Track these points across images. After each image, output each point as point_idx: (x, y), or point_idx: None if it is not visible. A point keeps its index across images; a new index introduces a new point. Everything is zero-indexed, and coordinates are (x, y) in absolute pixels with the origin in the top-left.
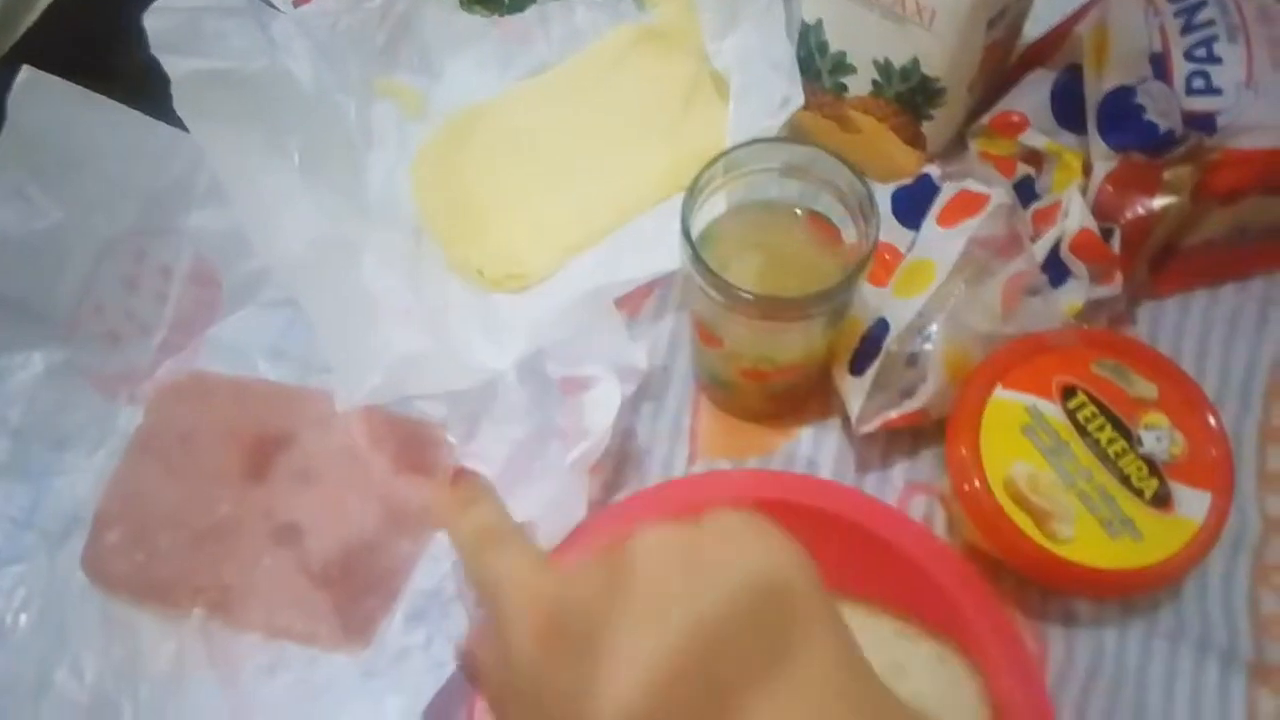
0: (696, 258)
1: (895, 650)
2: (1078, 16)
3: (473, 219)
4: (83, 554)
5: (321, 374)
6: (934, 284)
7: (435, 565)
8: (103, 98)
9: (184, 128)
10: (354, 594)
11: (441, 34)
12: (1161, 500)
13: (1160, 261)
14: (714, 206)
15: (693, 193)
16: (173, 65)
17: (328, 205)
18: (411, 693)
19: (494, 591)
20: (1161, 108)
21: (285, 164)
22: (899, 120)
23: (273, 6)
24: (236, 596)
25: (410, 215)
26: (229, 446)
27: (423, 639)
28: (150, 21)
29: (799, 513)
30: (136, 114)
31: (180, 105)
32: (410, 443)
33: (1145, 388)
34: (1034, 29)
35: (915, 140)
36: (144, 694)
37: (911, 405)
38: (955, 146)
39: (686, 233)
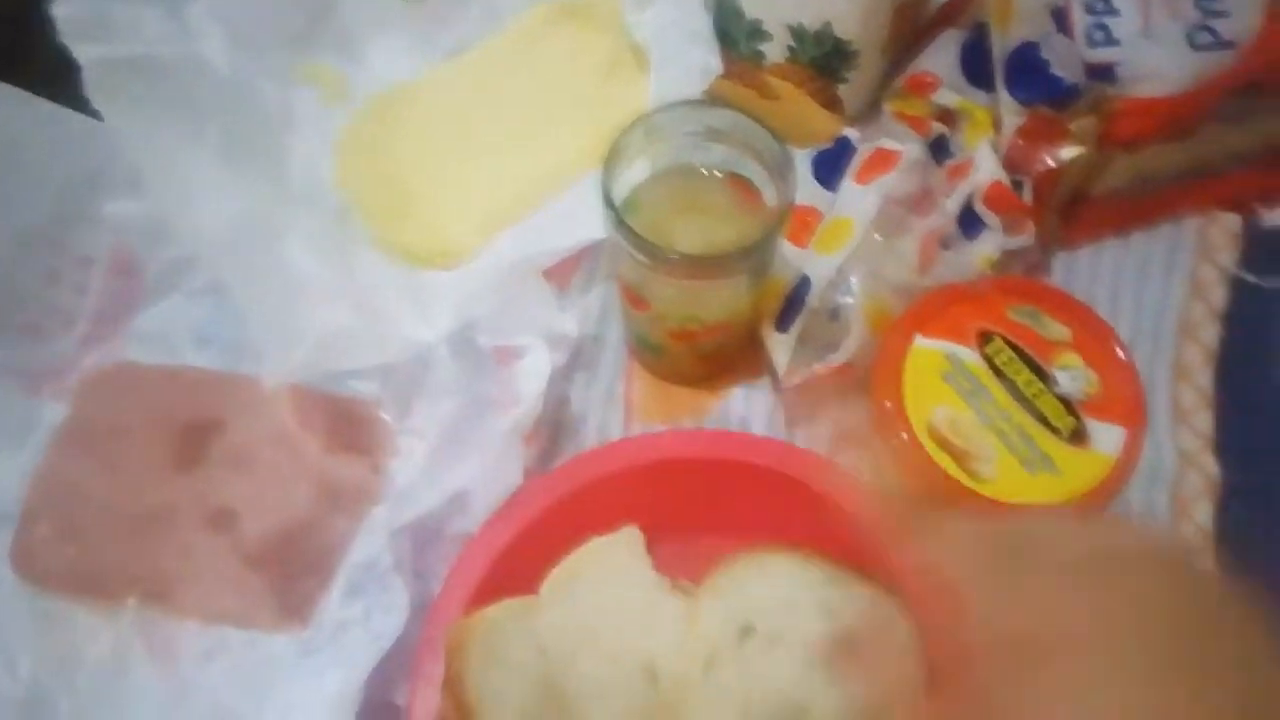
0: (619, 221)
1: (828, 593)
2: None
3: (398, 198)
4: (10, 550)
5: (250, 359)
6: (852, 240)
7: (371, 539)
8: (12, 88)
9: (99, 117)
10: (291, 574)
11: (361, 17)
12: (1078, 437)
13: (1071, 211)
14: (637, 172)
15: (612, 157)
16: (82, 52)
17: (249, 188)
18: (350, 666)
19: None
20: (1065, 61)
21: (203, 149)
22: (816, 85)
23: None
24: (172, 584)
25: (335, 197)
26: (159, 435)
27: (360, 613)
28: (58, 9)
29: (731, 469)
30: (48, 104)
31: (92, 92)
32: (343, 421)
33: (1059, 330)
34: None
35: (833, 104)
36: (81, 686)
37: (836, 358)
38: (872, 109)
39: (608, 196)
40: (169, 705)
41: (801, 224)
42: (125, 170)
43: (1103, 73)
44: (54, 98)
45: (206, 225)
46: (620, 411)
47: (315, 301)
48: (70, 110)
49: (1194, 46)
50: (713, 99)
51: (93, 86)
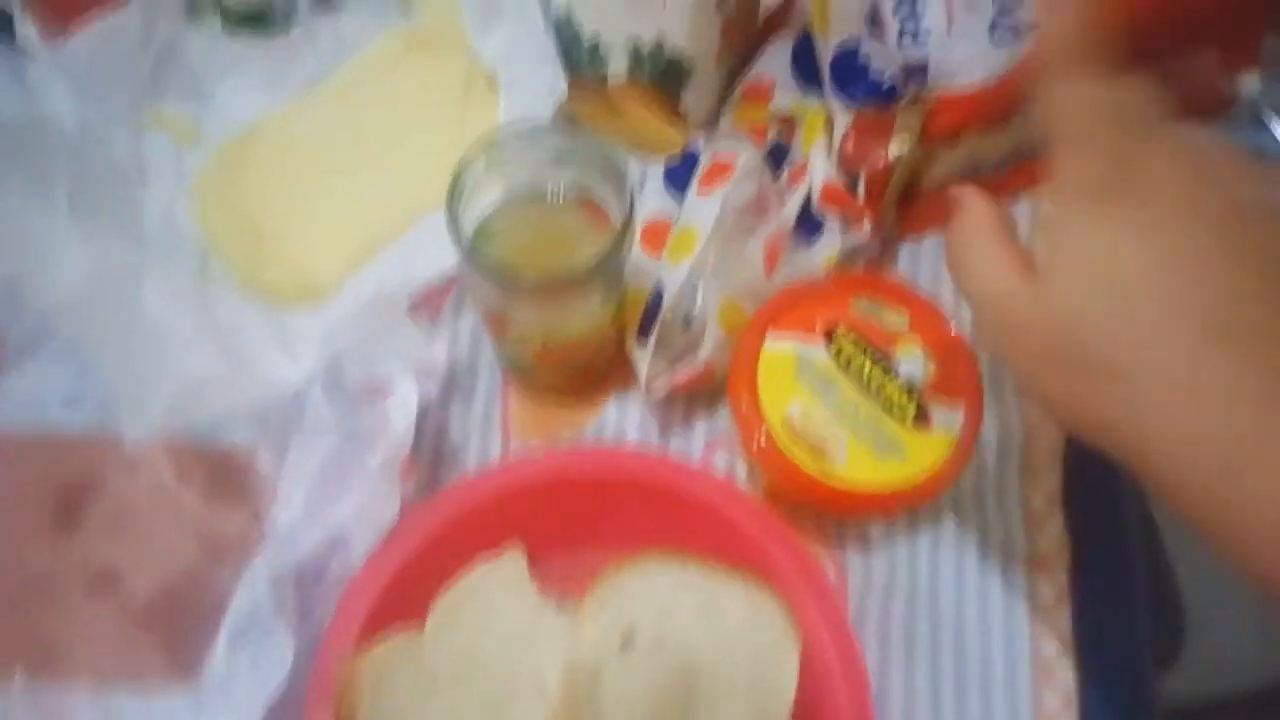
0: (467, 251)
1: (705, 594)
2: None
3: (259, 238)
4: None
5: (122, 415)
6: (698, 247)
7: (252, 588)
8: None
9: None
10: (179, 630)
11: (208, 59)
12: (921, 419)
13: (908, 205)
14: (488, 199)
15: (454, 189)
16: None
17: (102, 243)
18: (242, 717)
19: (1060, 135)
20: (881, 61)
21: (53, 209)
22: (659, 99)
23: (27, 52)
24: (59, 652)
25: (194, 242)
26: (34, 502)
27: (247, 663)
28: None
29: (608, 483)
30: None
31: None
32: (220, 472)
33: (897, 319)
34: None
35: (677, 117)
36: None
37: (695, 363)
38: (717, 118)
39: (454, 227)
40: None
41: (657, 235)
42: None
43: (916, 71)
44: None
45: (60, 287)
46: (498, 433)
47: (178, 352)
48: None
49: (995, 39)
50: (567, 120)
51: None
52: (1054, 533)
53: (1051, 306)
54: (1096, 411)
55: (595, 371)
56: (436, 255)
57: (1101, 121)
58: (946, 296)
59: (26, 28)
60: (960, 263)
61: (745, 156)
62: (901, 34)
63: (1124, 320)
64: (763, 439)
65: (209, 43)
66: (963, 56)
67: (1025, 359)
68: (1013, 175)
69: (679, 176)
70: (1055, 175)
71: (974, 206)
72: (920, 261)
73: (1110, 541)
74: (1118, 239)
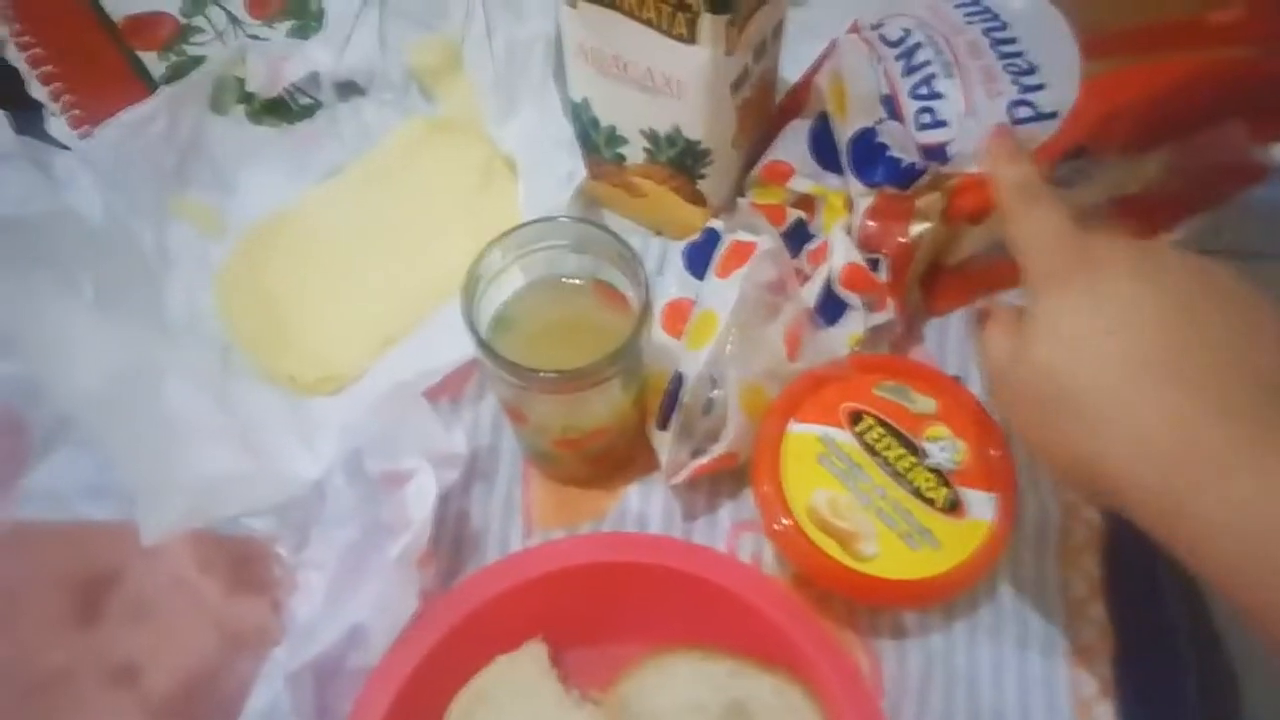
0: (481, 344)
1: (733, 689)
2: (815, 69)
3: (280, 327)
4: None
5: None
6: (717, 333)
7: (271, 683)
8: None
9: None
10: None
11: (232, 148)
12: (953, 506)
13: (933, 282)
14: (509, 285)
15: (469, 282)
16: None
17: (126, 335)
18: None
19: (1023, 248)
20: (900, 144)
21: (77, 302)
22: (677, 182)
23: (54, 142)
24: None
25: (216, 332)
26: (56, 594)
27: None
28: None
29: (629, 571)
30: None
31: None
32: (241, 562)
33: (925, 403)
34: (795, 73)
35: (696, 198)
36: None
37: (717, 449)
38: (736, 199)
39: (470, 324)
40: None
41: (678, 316)
42: None
43: (936, 153)
44: None
45: (81, 381)
46: (519, 520)
47: (198, 448)
48: None
49: (1015, 120)
50: (587, 201)
51: None
52: (1096, 620)
53: (1030, 361)
54: (1070, 447)
55: (616, 457)
56: (458, 342)
57: (1052, 233)
58: (975, 376)
59: (56, 118)
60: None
61: (765, 239)
62: (919, 117)
63: (1085, 369)
64: (787, 526)
65: (233, 132)
66: (982, 139)
67: (1014, 407)
68: None
69: (699, 256)
70: (1025, 272)
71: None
72: (947, 339)
73: (1155, 628)
74: (1077, 304)
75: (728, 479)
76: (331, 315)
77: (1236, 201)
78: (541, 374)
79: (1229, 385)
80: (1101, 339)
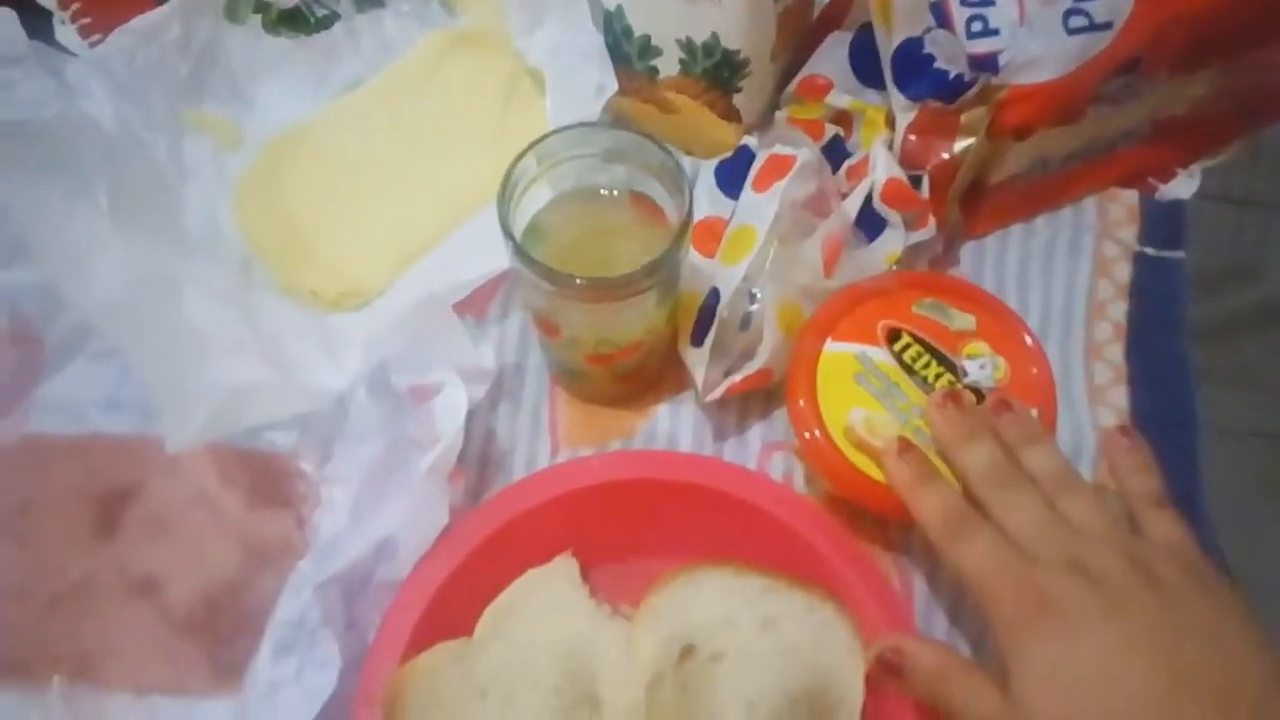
0: (519, 251)
1: (766, 604)
2: None
3: (301, 242)
4: None
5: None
6: (755, 247)
7: (298, 595)
8: None
9: None
10: (221, 637)
11: (248, 60)
12: (1000, 407)
13: (972, 202)
14: (538, 198)
15: (506, 188)
16: None
17: (143, 246)
18: None
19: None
20: (948, 54)
21: (92, 210)
22: (711, 96)
23: (65, 51)
24: (98, 659)
25: (236, 245)
26: (73, 507)
27: (292, 671)
28: None
29: (660, 488)
30: None
31: None
32: (263, 477)
33: (963, 320)
34: None
35: (730, 114)
36: None
37: (752, 367)
38: (770, 116)
39: (506, 228)
40: None
41: (709, 234)
42: (11, 237)
43: (986, 63)
44: None
45: (100, 290)
46: (547, 439)
47: (219, 358)
48: None
49: (1069, 31)
50: (615, 118)
51: None
52: None
53: (1027, 715)
54: None
55: (647, 376)
56: (482, 257)
57: (998, 571)
58: (1011, 298)
59: (65, 26)
60: (945, 700)
61: (803, 154)
62: (969, 25)
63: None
64: (823, 444)
65: (249, 43)
66: (1035, 49)
67: None
68: (1080, 173)
69: (731, 175)
70: (986, 616)
71: (924, 654)
72: (984, 261)
73: None
74: (1055, 656)
75: (758, 400)
76: (353, 230)
77: (1248, 147)
78: (578, 280)
79: None
80: (1088, 698)
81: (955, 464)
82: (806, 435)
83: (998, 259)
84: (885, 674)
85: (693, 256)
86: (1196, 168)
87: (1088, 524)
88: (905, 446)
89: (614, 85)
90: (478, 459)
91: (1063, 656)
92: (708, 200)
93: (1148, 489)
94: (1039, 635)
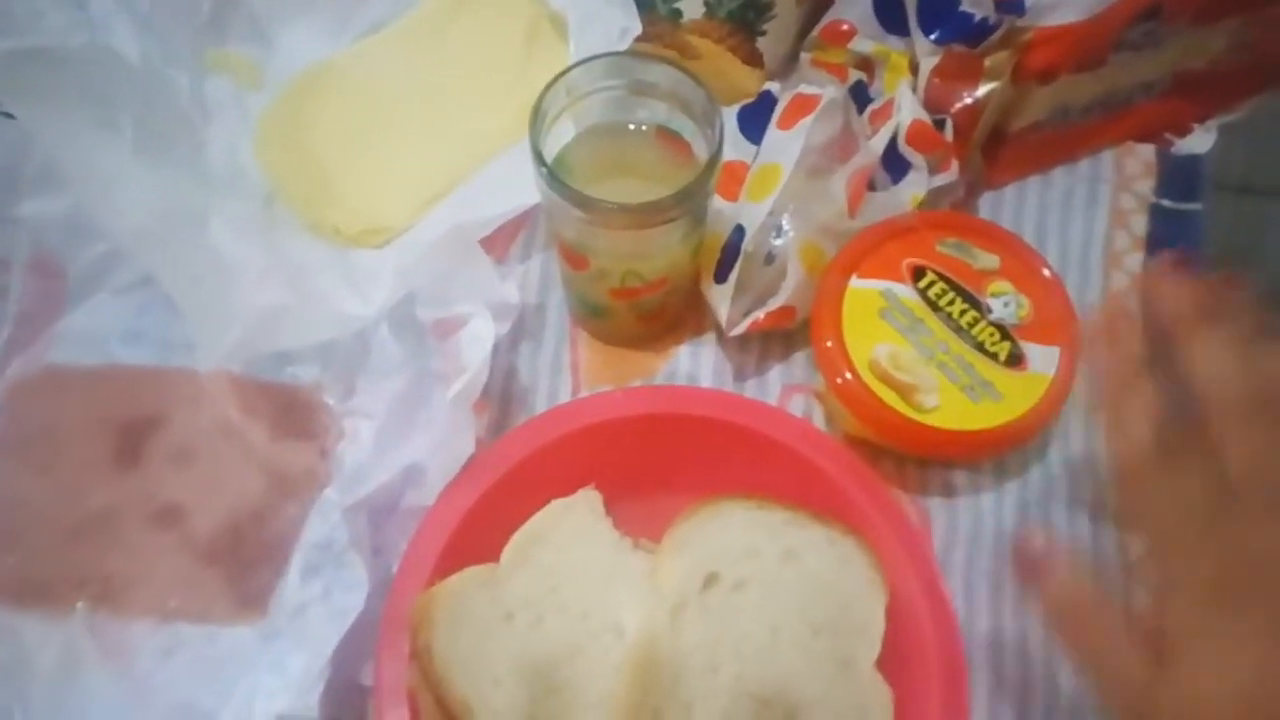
0: (552, 176)
1: (787, 537)
2: None
3: (324, 180)
4: None
5: (183, 353)
6: (781, 183)
7: (324, 519)
8: None
9: (7, 115)
10: (245, 566)
11: (271, 1)
12: (1015, 360)
13: (993, 149)
14: (563, 132)
15: (537, 116)
16: None
17: (169, 177)
18: (314, 647)
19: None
20: None
21: (118, 140)
22: (735, 40)
23: None
24: (121, 585)
25: (258, 184)
26: (95, 436)
27: (320, 592)
28: None
29: (684, 423)
30: None
31: None
32: (287, 409)
33: (987, 259)
34: None
35: (753, 59)
36: (34, 695)
37: (776, 302)
38: (792, 62)
39: (538, 154)
40: (127, 706)
41: (731, 178)
42: (39, 168)
43: (1012, 4)
44: None
45: (128, 217)
46: (568, 379)
47: (247, 284)
48: None
49: None
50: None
51: None
52: None
53: (1186, 702)
54: None
55: (668, 316)
56: (503, 195)
57: (1189, 517)
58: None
59: None
60: (1081, 641)
61: (829, 92)
62: None
63: None
64: (849, 378)
65: None
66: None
67: None
68: (1098, 125)
69: (753, 119)
70: (1165, 572)
71: (1068, 577)
72: (1002, 212)
73: None
74: (1264, 647)
75: (778, 341)
76: (374, 170)
77: (1242, 131)
78: (612, 205)
79: None
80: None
81: (1191, 352)
82: (837, 376)
83: (1015, 209)
84: (1022, 569)
85: (715, 200)
86: (1213, 123)
87: None
88: (1116, 318)
89: (638, 28)
90: (499, 396)
91: (1257, 661)
92: (729, 145)
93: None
94: (1244, 617)
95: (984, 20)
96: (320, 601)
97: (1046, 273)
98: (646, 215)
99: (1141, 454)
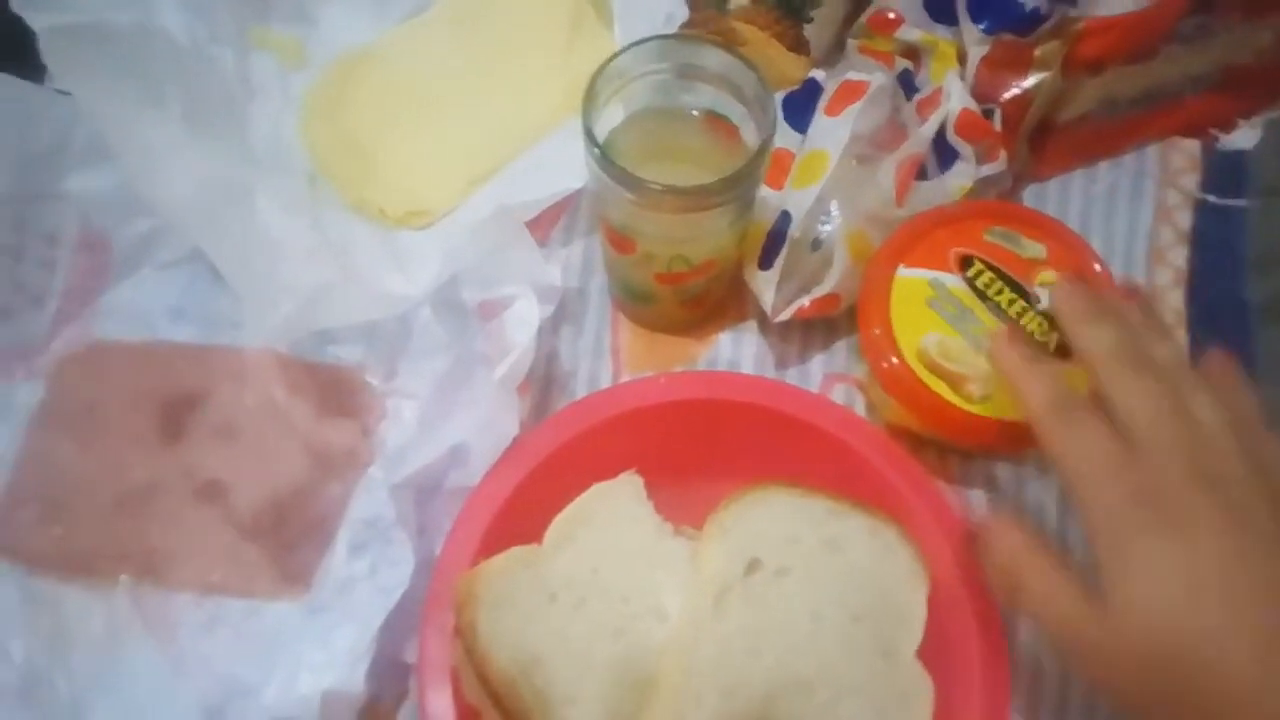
0: (603, 156)
1: (829, 527)
2: None
3: (367, 161)
4: None
5: (227, 331)
6: (828, 171)
7: (371, 496)
8: None
9: (52, 89)
10: (288, 542)
11: None
12: (1064, 350)
13: (1039, 141)
14: (611, 116)
15: (589, 96)
16: (36, 20)
17: (215, 153)
18: (360, 622)
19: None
20: None
21: (166, 115)
22: (781, 27)
23: None
24: (164, 559)
25: (302, 162)
26: (139, 411)
27: (367, 568)
28: None
29: (726, 409)
30: (4, 76)
31: (49, 61)
32: (331, 388)
33: (1035, 249)
34: None
35: (799, 46)
36: (77, 666)
37: (821, 290)
38: (838, 50)
39: (589, 134)
40: (170, 678)
41: (777, 167)
42: (87, 143)
43: None
44: (10, 71)
45: (176, 192)
46: (609, 363)
47: (295, 261)
48: (28, 83)
49: None
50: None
51: (49, 55)
52: None
53: (1126, 631)
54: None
55: (711, 300)
56: (547, 179)
57: (1103, 461)
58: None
59: None
60: (1015, 587)
61: (877, 78)
62: None
63: (1203, 640)
64: (898, 367)
65: None
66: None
67: (1106, 676)
68: (1145, 119)
69: (797, 107)
70: (1088, 515)
71: (1007, 531)
72: (1046, 205)
73: None
74: (1169, 560)
75: (820, 330)
76: (417, 152)
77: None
78: (661, 187)
79: None
80: (1203, 611)
81: (1078, 340)
82: (884, 365)
83: (1060, 202)
84: (976, 545)
85: (761, 189)
86: (1259, 119)
87: (1210, 425)
88: (1015, 332)
89: (684, 14)
90: (541, 379)
91: (1178, 561)
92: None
93: (1250, 409)
94: (1151, 536)
95: (1035, 10)
96: (367, 578)
97: (1095, 263)
98: (698, 199)
99: (1067, 394)
